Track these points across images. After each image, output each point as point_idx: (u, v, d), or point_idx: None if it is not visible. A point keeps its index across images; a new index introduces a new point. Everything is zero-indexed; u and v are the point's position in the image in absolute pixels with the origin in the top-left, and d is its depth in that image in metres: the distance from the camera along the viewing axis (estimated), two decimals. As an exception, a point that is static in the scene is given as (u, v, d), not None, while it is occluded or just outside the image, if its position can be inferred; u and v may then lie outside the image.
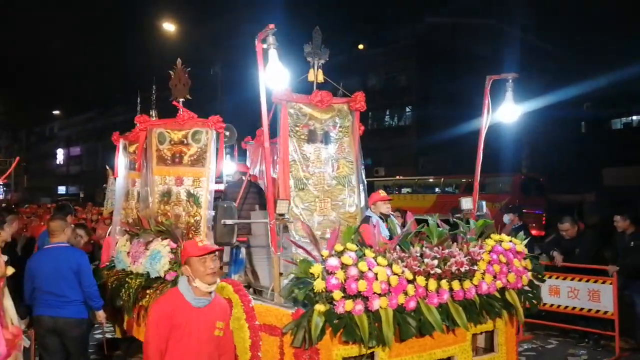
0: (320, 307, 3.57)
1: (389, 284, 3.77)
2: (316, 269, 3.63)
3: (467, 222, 4.76)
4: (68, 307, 5.11)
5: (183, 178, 5.71)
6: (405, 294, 3.84)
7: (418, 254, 4.07)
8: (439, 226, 4.42)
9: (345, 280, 3.64)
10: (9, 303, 3.49)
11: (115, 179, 9.77)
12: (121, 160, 7.51)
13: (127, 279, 5.99)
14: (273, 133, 7.11)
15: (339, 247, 3.77)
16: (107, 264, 6.97)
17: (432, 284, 3.97)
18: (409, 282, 3.89)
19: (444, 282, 4.04)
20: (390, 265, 3.86)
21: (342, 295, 3.58)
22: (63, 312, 5.08)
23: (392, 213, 5.85)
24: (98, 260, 7.63)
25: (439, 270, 4.02)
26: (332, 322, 3.55)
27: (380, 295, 3.71)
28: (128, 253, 6.36)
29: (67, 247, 5.35)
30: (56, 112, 45.93)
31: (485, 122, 5.30)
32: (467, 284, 4.15)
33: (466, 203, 5.32)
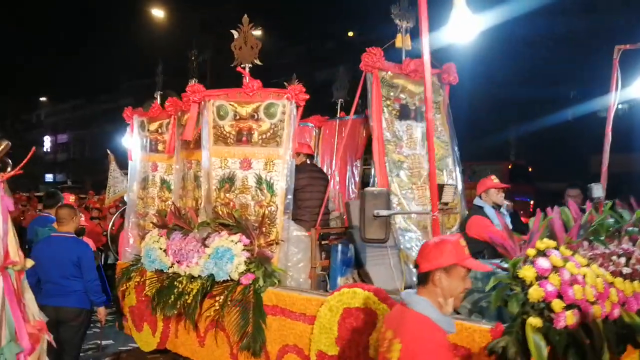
0: (535, 321, 2.78)
1: (596, 289, 3.04)
2: (528, 272, 2.84)
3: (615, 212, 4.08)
4: (69, 296, 5.03)
5: (251, 160, 4.73)
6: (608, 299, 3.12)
7: (607, 251, 3.36)
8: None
9: (560, 286, 2.86)
10: (29, 296, 3.33)
11: (115, 163, 8.62)
12: (136, 141, 6.37)
13: (174, 283, 4.96)
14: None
15: (540, 244, 2.99)
16: (131, 264, 5.85)
17: (629, 287, 3.26)
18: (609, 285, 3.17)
19: (637, 284, 3.35)
20: (588, 266, 3.12)
21: (563, 305, 2.81)
22: (64, 301, 5.00)
23: (507, 202, 5.12)
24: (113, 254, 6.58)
25: (628, 270, 3.33)
26: (554, 339, 2.78)
27: (592, 303, 2.97)
28: (165, 251, 5.31)
29: (71, 238, 5.20)
30: (43, 99, 44.18)
31: (614, 99, 4.67)
32: (652, 285, 3.48)
33: (597, 190, 4.66)
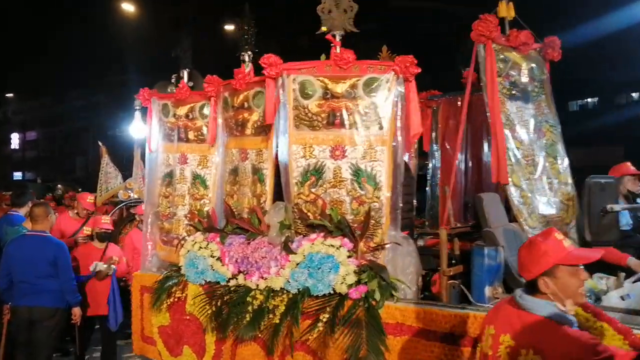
0: None
1: None
2: None
3: None
4: (43, 295, 4.92)
5: (346, 147, 3.90)
6: None
7: None
8: None
9: None
10: None
11: (108, 157, 7.44)
12: (156, 129, 5.35)
13: (247, 299, 4.06)
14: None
15: None
16: (167, 275, 4.84)
17: None
18: None
19: None
20: None
21: None
22: (38, 300, 4.90)
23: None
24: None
25: None
26: None
27: None
28: (218, 259, 4.40)
29: (46, 237, 5.07)
30: (9, 95, 41.60)
31: None
32: None
33: None
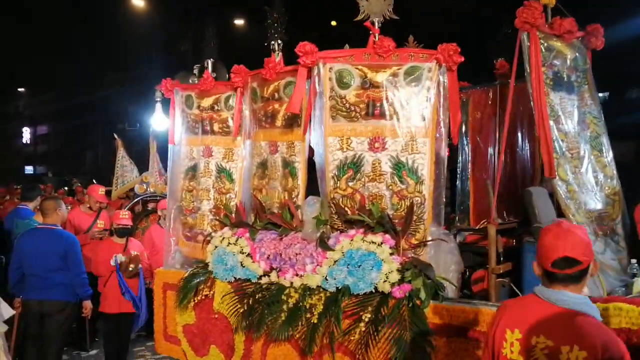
0: None
1: None
2: None
3: None
4: (54, 289, 4.90)
5: (385, 139, 3.74)
6: None
7: None
8: None
9: None
10: None
11: (124, 150, 7.28)
12: (179, 121, 5.19)
13: (281, 297, 3.91)
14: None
15: None
16: (192, 272, 4.68)
17: None
18: None
19: None
20: None
21: None
22: (48, 294, 4.89)
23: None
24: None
25: None
26: None
27: None
28: (249, 255, 4.24)
29: (56, 230, 5.06)
30: (21, 89, 41.26)
31: None
32: None
33: None
